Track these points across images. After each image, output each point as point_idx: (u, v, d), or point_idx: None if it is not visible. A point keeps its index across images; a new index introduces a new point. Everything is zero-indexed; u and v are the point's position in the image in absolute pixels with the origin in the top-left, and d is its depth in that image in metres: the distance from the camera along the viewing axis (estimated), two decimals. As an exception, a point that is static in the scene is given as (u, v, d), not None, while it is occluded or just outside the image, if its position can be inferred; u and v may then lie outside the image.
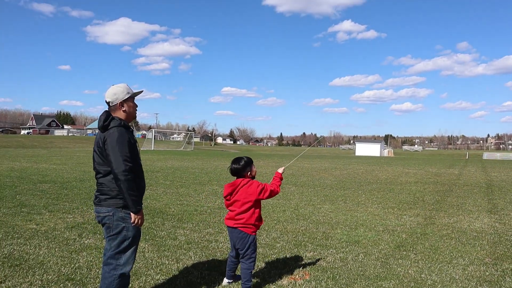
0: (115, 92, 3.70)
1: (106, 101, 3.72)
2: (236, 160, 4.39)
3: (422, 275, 5.11)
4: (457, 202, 11.58)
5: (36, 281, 4.52)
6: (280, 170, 4.67)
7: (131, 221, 3.56)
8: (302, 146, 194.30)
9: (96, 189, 3.70)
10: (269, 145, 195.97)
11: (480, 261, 5.80)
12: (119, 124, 3.59)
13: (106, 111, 3.70)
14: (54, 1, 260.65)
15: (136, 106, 3.87)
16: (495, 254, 6.19)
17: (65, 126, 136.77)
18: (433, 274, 5.16)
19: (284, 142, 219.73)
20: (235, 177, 4.42)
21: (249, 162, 4.37)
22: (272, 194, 4.35)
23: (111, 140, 3.50)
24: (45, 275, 4.71)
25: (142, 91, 3.89)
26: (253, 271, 4.49)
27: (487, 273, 5.27)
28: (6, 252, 5.51)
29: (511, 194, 13.74)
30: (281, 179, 4.59)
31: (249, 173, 4.36)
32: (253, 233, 4.33)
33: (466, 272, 5.30)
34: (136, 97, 3.86)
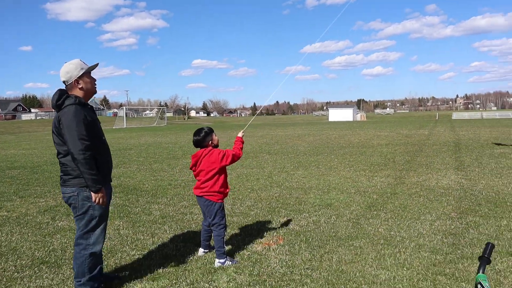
0: (68, 70, 3.59)
1: (62, 81, 3.62)
2: (197, 132, 4.49)
3: (392, 232, 5.29)
4: (426, 161, 11.91)
5: (9, 267, 4.48)
6: (239, 134, 4.77)
7: (92, 200, 3.51)
8: (276, 114, 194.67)
9: (60, 170, 3.64)
10: (242, 115, 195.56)
11: (446, 216, 6.04)
12: (73, 102, 3.49)
13: (59, 89, 3.60)
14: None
15: (95, 80, 3.76)
16: (460, 208, 6.44)
17: (33, 110, 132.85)
18: (402, 231, 5.35)
19: (257, 111, 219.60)
20: (199, 148, 4.50)
21: (209, 132, 4.46)
22: (235, 158, 4.44)
23: (65, 119, 3.41)
24: (18, 260, 4.67)
25: (97, 64, 3.75)
26: (226, 238, 4.56)
27: (453, 227, 5.49)
28: (-24, 239, 5.43)
29: (477, 151, 14.20)
30: (242, 142, 4.69)
31: (210, 142, 4.45)
32: (219, 201, 4.41)
33: (433, 226, 5.51)
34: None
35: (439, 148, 15.38)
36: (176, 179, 9.91)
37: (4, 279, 4.14)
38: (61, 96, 3.52)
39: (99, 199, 3.51)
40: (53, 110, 3.66)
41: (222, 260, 4.33)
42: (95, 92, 3.77)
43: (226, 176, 4.51)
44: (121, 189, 8.69)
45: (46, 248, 5.05)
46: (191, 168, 4.57)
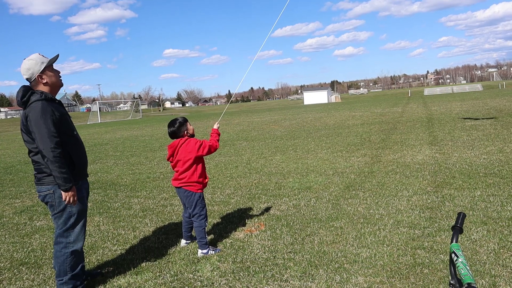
0: (28, 66, 3.46)
1: (25, 78, 3.51)
2: (171, 123, 4.44)
3: (371, 211, 5.39)
4: (401, 138, 12.12)
5: (-13, 270, 4.39)
6: (215, 126, 4.75)
7: (63, 200, 3.39)
8: (251, 101, 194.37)
9: (33, 168, 3.55)
10: (218, 104, 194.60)
11: (423, 190, 6.17)
12: (39, 97, 3.38)
13: (23, 86, 3.48)
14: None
15: (59, 72, 3.64)
16: (435, 182, 6.60)
17: (2, 109, 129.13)
18: (381, 208, 5.46)
19: (233, 99, 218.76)
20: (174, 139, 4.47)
21: (183, 122, 4.41)
22: (212, 149, 4.41)
23: (32, 116, 3.31)
24: (-4, 263, 4.58)
25: (57, 56, 3.61)
26: (208, 228, 4.57)
27: (429, 201, 5.63)
28: (-49, 245, 5.29)
29: (449, 125, 14.52)
30: (218, 134, 4.66)
31: (185, 132, 4.41)
32: (199, 191, 4.39)
33: (410, 202, 5.63)
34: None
35: (412, 125, 15.66)
36: (155, 172, 9.83)
37: (-17, 284, 4.06)
38: (26, 92, 3.40)
39: (70, 198, 3.39)
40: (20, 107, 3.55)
41: (204, 251, 4.34)
42: (61, 85, 3.64)
43: (204, 165, 4.48)
44: (99, 185, 8.58)
45: (25, 249, 4.96)
46: (168, 159, 4.53)
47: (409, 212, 5.20)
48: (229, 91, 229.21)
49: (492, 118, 15.69)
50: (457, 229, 1.87)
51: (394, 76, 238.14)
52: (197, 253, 4.36)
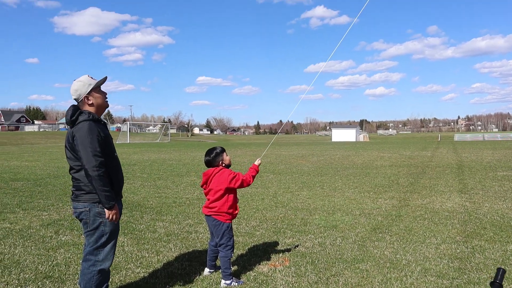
0: (77, 87, 3.62)
1: (73, 98, 3.67)
2: (208, 152, 4.50)
3: (397, 256, 5.27)
4: (429, 183, 11.90)
5: (12, 280, 4.47)
6: (256, 162, 4.72)
7: (106, 217, 3.53)
8: (279, 134, 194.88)
9: (72, 185, 3.66)
10: (246, 134, 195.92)
11: (452, 239, 6.01)
12: (87, 118, 3.52)
13: (73, 105, 3.64)
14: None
15: (105, 94, 3.78)
16: (465, 232, 6.42)
17: (36, 122, 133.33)
18: (408, 254, 5.33)
19: (261, 130, 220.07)
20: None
21: (219, 152, 4.47)
22: (244, 183, 4.41)
23: (79, 135, 3.44)
24: (21, 274, 4.66)
25: (106, 78, 3.76)
26: (232, 259, 4.55)
27: (458, 251, 5.47)
28: (-20, 252, 5.42)
29: (480, 173, 14.18)
30: (257, 171, 4.64)
31: (221, 162, 4.46)
32: (227, 221, 4.41)
33: (439, 250, 5.49)
34: (107, 88, 3.79)
35: (442, 170, 15.36)
36: (181, 197, 9.91)
37: (10, 294, 4.13)
38: (75, 112, 3.56)
39: (113, 216, 3.53)
40: (67, 126, 3.69)
41: (228, 281, 4.31)
42: (106, 106, 3.79)
43: (235, 197, 4.51)
44: (125, 205, 8.69)
45: (50, 263, 5.04)
46: (201, 186, 4.59)
47: (437, 261, 5.06)
48: (258, 122, 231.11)
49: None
50: (496, 285, 1.83)
51: (424, 119, 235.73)
52: (220, 284, 4.34)
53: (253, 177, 4.55)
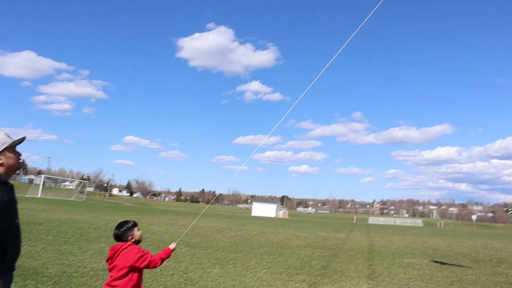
0: None
1: None
2: (119, 225, 4.34)
3: None
4: (340, 267, 12.21)
5: None
6: (171, 246, 4.59)
7: None
8: (200, 203, 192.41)
9: None
10: (166, 199, 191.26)
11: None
12: None
13: None
14: None
15: (19, 155, 3.54)
16: (368, 322, 6.59)
17: None
18: None
19: (182, 197, 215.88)
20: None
21: (131, 227, 4.31)
22: (151, 265, 4.25)
23: None
24: None
25: (24, 138, 3.55)
26: None
27: None
28: None
29: (388, 259, 14.84)
30: (168, 256, 4.50)
31: (130, 237, 4.29)
32: None
33: None
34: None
35: (354, 254, 15.88)
36: (85, 266, 9.27)
37: None
38: None
39: None
40: None
41: None
42: (18, 168, 3.55)
43: (140, 277, 4.30)
44: (19, 272, 7.95)
45: None
46: (106, 261, 4.33)
47: None
48: (180, 188, 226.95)
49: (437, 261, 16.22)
50: None
51: (342, 200, 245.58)
52: None
53: (163, 260, 4.40)
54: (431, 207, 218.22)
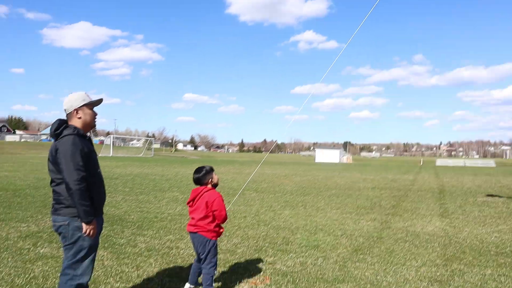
0: (70, 99, 3.64)
1: (64, 109, 3.67)
2: (198, 170, 4.53)
3: (378, 277, 5.30)
4: (411, 206, 12.02)
5: (-13, 293, 4.37)
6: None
7: (83, 232, 3.48)
8: (263, 152, 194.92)
9: (52, 198, 3.62)
10: (230, 151, 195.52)
11: (432, 262, 6.07)
12: (72, 132, 3.51)
13: (59, 118, 3.63)
14: (8, 2, 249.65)
15: (95, 114, 3.77)
16: (445, 255, 6.48)
17: (17, 132, 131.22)
18: (388, 276, 5.36)
19: (245, 148, 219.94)
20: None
21: (209, 171, 4.50)
22: (221, 218, 4.42)
23: (63, 148, 3.42)
24: (-3, 286, 4.56)
25: (101, 100, 3.78)
26: (215, 276, 4.53)
27: (438, 274, 5.52)
28: (-45, 263, 5.28)
29: (461, 198, 14.38)
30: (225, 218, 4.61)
31: (210, 180, 4.49)
32: (213, 238, 4.42)
33: (419, 273, 5.53)
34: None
35: (423, 194, 15.54)
36: (163, 212, 9.83)
37: (-17, 307, 4.02)
38: (60, 125, 3.55)
39: (90, 231, 3.48)
40: (50, 137, 3.66)
41: None
42: (93, 126, 3.78)
43: None
44: (106, 219, 8.56)
45: (27, 275, 4.93)
46: (187, 203, 4.57)
47: (417, 283, 5.10)
48: (242, 140, 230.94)
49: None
50: None
51: (407, 143, 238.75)
52: None
53: (226, 219, 4.54)
54: (504, 147, 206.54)
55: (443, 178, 26.20)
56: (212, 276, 4.35)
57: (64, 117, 3.70)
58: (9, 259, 5.55)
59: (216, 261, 4.45)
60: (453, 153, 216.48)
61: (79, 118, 3.65)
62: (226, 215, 4.45)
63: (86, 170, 3.45)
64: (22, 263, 5.40)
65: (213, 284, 4.39)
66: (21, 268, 5.21)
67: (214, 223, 4.40)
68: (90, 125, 3.74)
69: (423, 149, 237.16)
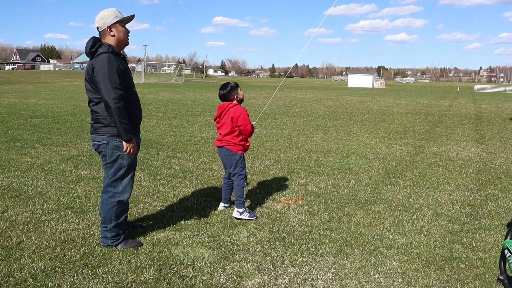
0: (103, 16, 3.57)
1: (96, 27, 3.62)
2: (223, 86, 4.56)
3: (410, 200, 5.32)
4: (446, 132, 11.78)
5: (37, 210, 4.64)
6: (253, 124, 4.73)
7: (123, 150, 3.56)
8: (294, 77, 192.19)
9: (91, 118, 3.69)
10: (261, 76, 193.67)
11: (465, 187, 6.02)
12: (107, 50, 3.47)
13: (93, 36, 3.58)
14: None
15: (128, 32, 3.72)
16: (479, 180, 6.42)
17: (51, 61, 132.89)
18: (420, 199, 5.38)
19: (276, 73, 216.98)
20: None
21: (234, 87, 4.53)
22: (246, 132, 4.48)
23: (99, 67, 3.41)
24: (45, 204, 4.83)
25: (133, 16, 3.70)
26: (246, 196, 4.66)
27: (471, 198, 5.50)
28: (4, 184, 5.60)
29: (499, 125, 13.96)
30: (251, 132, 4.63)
31: (236, 96, 4.53)
32: (239, 151, 4.51)
33: (452, 197, 5.52)
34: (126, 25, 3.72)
35: (459, 120, 15.16)
36: (196, 136, 10.01)
37: (33, 221, 4.30)
38: (95, 43, 3.51)
39: (130, 149, 3.56)
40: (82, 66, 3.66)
41: (241, 210, 4.44)
42: (127, 43, 3.73)
43: None
44: (142, 142, 8.78)
45: (71, 195, 5.20)
46: (215, 120, 4.65)
47: (450, 206, 5.11)
48: (273, 64, 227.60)
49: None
50: None
51: (444, 68, 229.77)
52: (233, 212, 4.48)
53: (251, 133, 4.60)
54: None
55: (481, 104, 25.34)
56: (243, 188, 4.48)
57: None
58: (54, 180, 5.85)
59: (246, 173, 4.58)
60: (493, 79, 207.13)
61: (113, 36, 3.60)
62: (251, 129, 4.52)
63: (123, 88, 3.46)
64: (66, 184, 5.68)
65: (245, 197, 4.53)
66: (65, 188, 5.49)
67: (240, 137, 4.50)
68: (124, 42, 3.70)
69: (461, 75, 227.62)
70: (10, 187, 5.47)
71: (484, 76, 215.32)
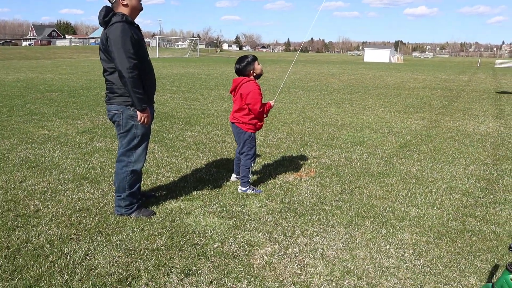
0: None
1: None
2: (239, 60, 4.34)
3: (424, 173, 5.28)
4: (464, 107, 11.57)
5: (53, 180, 4.73)
6: (271, 102, 4.57)
7: (137, 119, 3.57)
8: (310, 52, 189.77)
9: (105, 87, 3.69)
10: (275, 51, 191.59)
11: (481, 161, 5.94)
12: (121, 19, 3.43)
13: (105, 5, 3.54)
14: None
15: None
16: (496, 155, 6.32)
17: (67, 36, 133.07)
18: (435, 172, 5.33)
19: (291, 48, 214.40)
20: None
21: (251, 61, 4.29)
22: (256, 112, 4.29)
23: (113, 36, 3.38)
24: (61, 174, 4.92)
25: None
26: (257, 167, 4.64)
27: (487, 172, 5.43)
28: (22, 155, 5.70)
29: (519, 99, 13.66)
30: (267, 111, 4.49)
31: (252, 71, 4.31)
32: (249, 130, 4.38)
33: (467, 171, 5.46)
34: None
35: (478, 95, 14.85)
36: (209, 109, 10.01)
37: (50, 191, 4.39)
38: (108, 13, 3.47)
39: (144, 118, 3.56)
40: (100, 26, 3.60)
41: (244, 188, 4.45)
42: (141, 9, 3.66)
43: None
44: (155, 115, 8.84)
45: (86, 166, 5.28)
46: (230, 92, 4.50)
47: (464, 180, 5.05)
48: (288, 39, 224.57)
49: None
50: None
51: (464, 43, 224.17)
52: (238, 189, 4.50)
53: (263, 113, 4.43)
54: None
55: (501, 79, 24.74)
56: (249, 168, 4.41)
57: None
58: (70, 152, 5.93)
59: (254, 153, 4.47)
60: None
61: (125, 5, 3.55)
62: (260, 109, 4.30)
63: (137, 57, 3.45)
64: (81, 155, 5.77)
65: (250, 176, 4.47)
66: (81, 159, 5.57)
67: (250, 116, 4.33)
68: (137, 8, 3.63)
69: (482, 50, 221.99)
70: (28, 158, 5.58)
71: (506, 51, 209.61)
